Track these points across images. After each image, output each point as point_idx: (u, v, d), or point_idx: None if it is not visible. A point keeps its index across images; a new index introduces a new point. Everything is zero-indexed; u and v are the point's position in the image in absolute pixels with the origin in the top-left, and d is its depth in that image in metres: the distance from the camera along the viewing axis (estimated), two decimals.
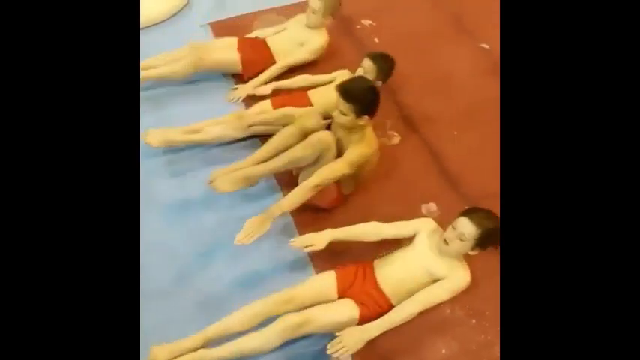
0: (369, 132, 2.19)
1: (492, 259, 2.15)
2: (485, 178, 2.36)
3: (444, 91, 2.79)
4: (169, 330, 1.89)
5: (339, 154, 2.18)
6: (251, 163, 2.17)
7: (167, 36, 2.99)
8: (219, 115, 2.52)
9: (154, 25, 3.05)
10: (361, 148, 2.14)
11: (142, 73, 2.58)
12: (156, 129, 2.38)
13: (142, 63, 2.63)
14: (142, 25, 2.99)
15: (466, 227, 1.85)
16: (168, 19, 3.10)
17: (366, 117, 2.11)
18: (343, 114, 2.09)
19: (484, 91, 2.75)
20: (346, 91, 2.06)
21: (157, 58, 2.71)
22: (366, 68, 2.45)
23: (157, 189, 2.33)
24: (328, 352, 1.76)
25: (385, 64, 2.48)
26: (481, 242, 1.86)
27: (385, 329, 1.85)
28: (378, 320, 1.86)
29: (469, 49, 3.06)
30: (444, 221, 2.08)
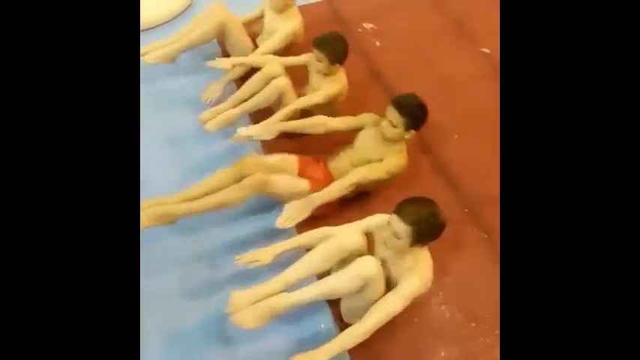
0: (405, 146, 2.28)
1: (491, 263, 2.16)
2: (485, 182, 2.37)
3: (444, 95, 2.80)
4: (170, 331, 1.90)
5: (367, 159, 2.25)
6: (178, 200, 2.12)
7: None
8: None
9: (157, 26, 3.06)
10: (400, 159, 2.25)
11: (174, 46, 2.65)
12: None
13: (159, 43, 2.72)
14: (145, 26, 3.00)
15: (397, 225, 1.71)
16: (171, 20, 3.11)
17: (413, 131, 2.20)
18: (393, 126, 2.16)
19: (484, 95, 2.76)
20: (401, 105, 2.15)
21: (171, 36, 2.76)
22: (318, 57, 2.38)
23: (159, 189, 2.32)
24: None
25: (331, 46, 2.38)
26: (419, 238, 1.72)
27: (337, 352, 1.72)
28: (329, 343, 1.72)
29: (470, 53, 3.07)
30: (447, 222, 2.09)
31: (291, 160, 2.31)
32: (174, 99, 2.73)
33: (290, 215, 2.07)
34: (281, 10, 2.68)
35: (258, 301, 1.76)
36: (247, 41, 2.77)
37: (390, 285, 1.82)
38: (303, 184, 2.21)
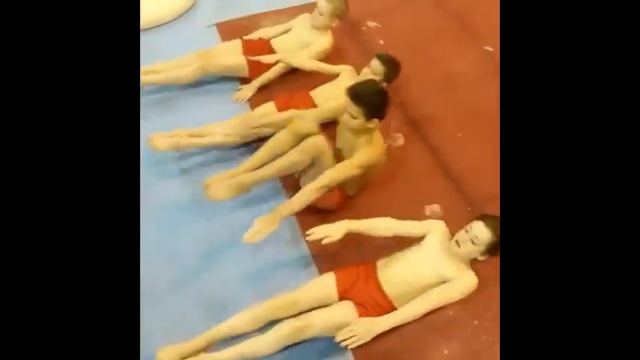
0: (377, 134, 2.21)
1: (494, 261, 2.16)
2: (488, 180, 2.36)
3: (447, 93, 2.80)
4: (172, 332, 1.90)
5: (347, 156, 2.19)
6: (245, 170, 2.17)
7: (173, 37, 3.02)
8: (224, 117, 2.54)
9: (160, 25, 3.07)
10: (370, 150, 2.17)
11: (146, 78, 2.60)
12: (162, 133, 2.39)
13: (146, 68, 2.64)
14: (148, 25, 3.02)
15: (481, 231, 1.86)
16: (174, 19, 3.12)
17: (376, 120, 2.13)
18: (353, 117, 2.11)
19: (488, 93, 2.76)
20: (356, 94, 2.08)
21: (161, 63, 2.72)
22: (375, 69, 2.47)
23: (161, 190, 2.34)
24: (337, 339, 1.79)
25: (393, 66, 2.51)
26: (492, 248, 1.88)
27: (395, 325, 1.86)
28: (389, 315, 1.87)
29: (473, 51, 3.07)
30: (447, 223, 2.10)
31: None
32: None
33: (258, 229, 1.98)
34: (322, 28, 2.78)
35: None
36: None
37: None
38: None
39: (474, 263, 1.98)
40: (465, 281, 1.93)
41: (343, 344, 1.79)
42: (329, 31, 2.82)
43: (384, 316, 1.87)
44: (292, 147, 2.15)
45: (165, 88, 2.73)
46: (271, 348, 1.81)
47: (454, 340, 1.96)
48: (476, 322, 2.01)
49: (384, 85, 2.44)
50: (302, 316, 1.85)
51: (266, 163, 2.16)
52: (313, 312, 1.88)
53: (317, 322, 1.84)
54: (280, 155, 2.15)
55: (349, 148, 2.20)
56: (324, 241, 1.92)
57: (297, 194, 2.09)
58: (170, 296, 2.05)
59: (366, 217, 2.16)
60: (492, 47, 3.05)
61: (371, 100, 2.10)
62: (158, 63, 2.72)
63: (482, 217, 1.90)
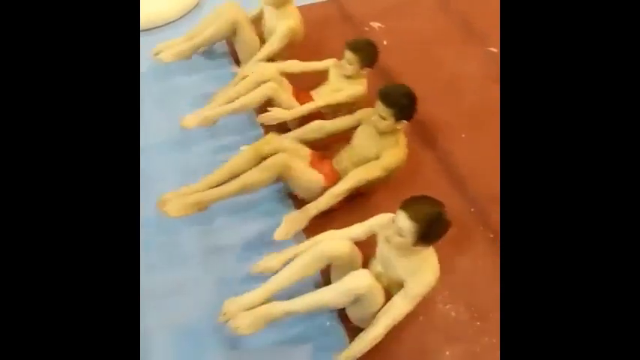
0: (402, 137, 2.26)
1: (496, 262, 2.16)
2: (492, 181, 2.34)
3: (452, 94, 2.80)
4: (174, 331, 1.91)
5: (365, 157, 2.23)
6: (204, 187, 2.15)
7: (178, 36, 3.01)
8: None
9: (164, 24, 3.08)
10: (396, 152, 2.23)
11: (189, 44, 2.70)
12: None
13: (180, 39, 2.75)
14: (153, 24, 3.03)
15: (403, 222, 1.69)
16: (179, 19, 3.13)
17: (404, 121, 2.18)
18: (383, 118, 2.15)
19: (492, 94, 2.74)
20: (387, 96, 2.14)
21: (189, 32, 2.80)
22: (348, 59, 2.45)
23: (164, 189, 2.33)
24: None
25: (366, 50, 2.46)
26: (423, 236, 1.70)
27: (354, 358, 1.80)
28: (345, 351, 1.80)
29: (477, 52, 3.07)
30: (452, 223, 2.09)
31: (305, 151, 2.33)
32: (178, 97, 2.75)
33: (287, 227, 2.09)
34: (278, 5, 2.69)
35: (248, 309, 1.78)
36: (256, 40, 2.78)
37: (392, 285, 1.82)
38: (319, 177, 2.22)
39: (467, 258, 1.93)
40: (414, 284, 1.75)
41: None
42: (292, 9, 2.74)
43: (344, 351, 1.80)
44: (253, 167, 2.15)
45: (169, 88, 2.73)
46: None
47: (456, 342, 1.96)
48: (478, 323, 2.01)
49: (366, 70, 2.47)
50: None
51: (226, 182, 2.15)
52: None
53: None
54: (240, 174, 2.14)
55: (374, 148, 2.23)
56: (266, 272, 1.95)
57: (323, 197, 2.16)
58: (172, 296, 2.05)
59: (368, 213, 2.15)
60: (496, 48, 3.04)
61: (401, 102, 2.15)
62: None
63: (403, 205, 1.72)
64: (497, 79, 2.82)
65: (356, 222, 2.05)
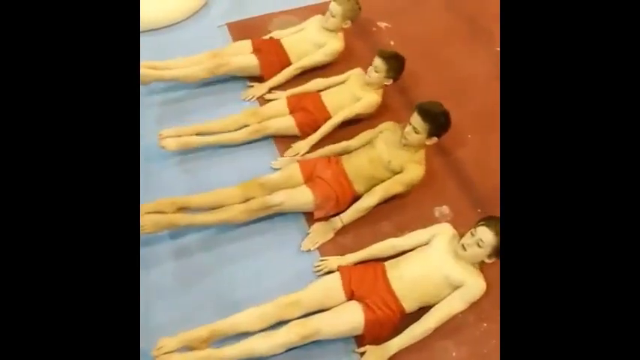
0: (424, 154, 2.30)
1: None
2: (498, 182, 2.35)
3: (458, 94, 2.79)
4: (177, 329, 1.91)
5: (381, 165, 2.27)
6: (181, 204, 2.12)
7: (185, 36, 3.02)
8: (233, 112, 2.56)
9: (172, 25, 3.09)
10: (419, 169, 2.28)
11: (155, 73, 2.58)
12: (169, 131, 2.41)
13: (156, 63, 2.64)
14: (160, 24, 3.03)
15: (485, 234, 1.88)
16: (186, 19, 3.14)
17: (435, 138, 2.23)
18: (416, 132, 2.19)
19: (498, 94, 2.73)
20: (426, 111, 2.19)
21: (172, 60, 2.71)
22: (377, 66, 2.48)
23: (167, 188, 2.33)
24: None
25: (396, 62, 2.51)
26: (499, 251, 1.88)
27: (406, 345, 1.89)
28: (399, 337, 1.89)
29: (484, 52, 3.06)
30: (456, 224, 2.10)
31: (294, 171, 2.30)
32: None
33: (314, 238, 2.18)
34: (334, 30, 2.79)
35: None
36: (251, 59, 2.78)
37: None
38: (306, 196, 2.20)
39: (482, 265, 1.97)
40: (473, 287, 1.92)
41: None
42: (341, 33, 2.82)
43: (396, 339, 1.89)
44: (238, 202, 2.16)
45: (175, 87, 2.74)
46: (277, 351, 1.82)
47: (463, 344, 1.96)
48: (485, 324, 2.01)
49: (390, 82, 2.52)
50: (309, 323, 1.83)
51: (207, 207, 2.14)
52: (320, 316, 1.86)
53: (324, 328, 1.84)
54: (221, 206, 2.14)
55: (397, 158, 2.25)
56: (324, 271, 2.08)
57: (348, 212, 2.23)
58: (179, 293, 2.05)
59: (375, 218, 2.21)
60: None
61: (438, 119, 2.20)
62: (167, 61, 2.72)
63: (487, 220, 1.92)
64: None
65: (363, 225, 2.15)
